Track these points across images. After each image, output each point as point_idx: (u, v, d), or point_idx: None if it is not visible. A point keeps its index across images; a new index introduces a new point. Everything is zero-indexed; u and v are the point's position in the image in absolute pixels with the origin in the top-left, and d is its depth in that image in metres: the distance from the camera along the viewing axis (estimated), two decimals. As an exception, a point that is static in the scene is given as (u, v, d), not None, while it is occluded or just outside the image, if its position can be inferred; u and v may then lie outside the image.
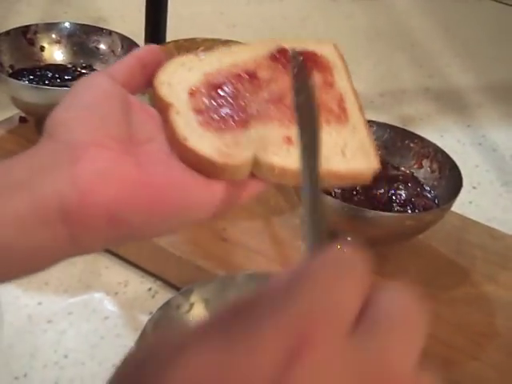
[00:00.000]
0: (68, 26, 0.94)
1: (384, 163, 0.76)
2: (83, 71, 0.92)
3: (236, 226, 0.76)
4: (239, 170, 0.39)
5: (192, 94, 0.41)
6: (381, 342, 0.24)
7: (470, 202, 0.95)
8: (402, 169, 0.76)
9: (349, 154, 0.40)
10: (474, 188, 0.99)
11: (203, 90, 0.41)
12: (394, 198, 0.72)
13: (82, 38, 0.94)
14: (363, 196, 0.71)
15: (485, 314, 0.67)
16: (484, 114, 1.19)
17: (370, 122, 0.78)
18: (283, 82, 0.42)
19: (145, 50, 0.44)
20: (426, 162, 0.76)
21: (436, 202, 0.72)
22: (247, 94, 0.41)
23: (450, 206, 0.68)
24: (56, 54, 0.93)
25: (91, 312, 0.69)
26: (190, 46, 0.90)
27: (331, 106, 0.42)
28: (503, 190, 0.99)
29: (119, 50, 0.93)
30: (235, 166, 0.38)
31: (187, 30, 0.96)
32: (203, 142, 0.39)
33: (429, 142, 0.77)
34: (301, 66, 0.39)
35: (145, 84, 0.43)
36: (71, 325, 0.67)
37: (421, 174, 0.76)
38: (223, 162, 0.38)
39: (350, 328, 0.24)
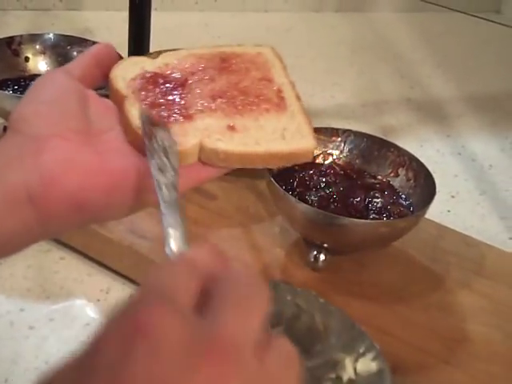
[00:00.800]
0: (52, 37, 0.95)
1: (361, 171, 0.79)
2: (67, 82, 0.93)
3: (216, 234, 0.77)
4: (187, 155, 0.43)
5: (142, 89, 0.46)
6: (216, 318, 0.26)
7: (449, 211, 0.97)
8: (379, 177, 0.78)
9: (288, 136, 0.46)
10: (453, 197, 1.01)
11: (152, 87, 0.46)
12: (370, 205, 0.73)
13: (66, 49, 0.95)
14: (340, 204, 0.72)
15: (458, 320, 0.68)
16: (464, 124, 1.21)
17: (348, 132, 0.81)
18: (226, 80, 0.48)
19: (99, 47, 0.48)
20: (401, 171, 0.77)
21: (411, 209, 0.74)
22: (194, 90, 0.47)
23: (424, 213, 0.70)
24: (40, 64, 0.94)
25: (72, 318, 0.70)
26: (172, 57, 0.91)
27: (270, 97, 0.47)
28: (481, 198, 1.01)
29: (103, 60, 0.94)
30: (183, 152, 0.43)
31: (172, 41, 0.97)
32: None
33: (405, 150, 0.78)
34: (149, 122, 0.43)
35: (100, 79, 0.47)
36: (52, 331, 0.68)
37: (397, 183, 0.77)
38: None
39: (188, 309, 0.26)
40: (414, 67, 1.42)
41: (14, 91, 0.88)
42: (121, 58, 0.50)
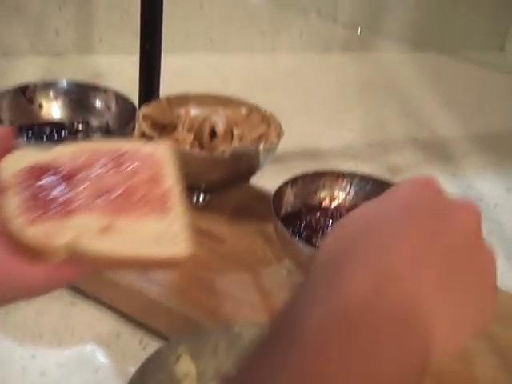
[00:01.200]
0: (65, 84, 0.98)
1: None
2: (80, 127, 0.96)
3: (224, 277, 0.78)
4: (57, 252, 0.42)
5: (25, 181, 0.45)
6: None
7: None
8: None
9: (162, 242, 0.44)
10: (459, 237, 1.02)
11: (36, 180, 0.45)
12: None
13: (79, 96, 0.98)
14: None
15: (465, 364, 0.69)
16: (469, 164, 1.23)
17: (353, 174, 0.82)
18: (113, 178, 0.47)
19: None
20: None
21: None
22: (78, 187, 0.46)
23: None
24: (54, 111, 0.97)
25: (83, 364, 0.71)
26: (181, 102, 0.94)
27: (154, 200, 0.46)
28: (487, 239, 1.02)
29: (113, 106, 0.97)
30: (52, 251, 0.42)
31: (181, 84, 0.99)
32: (25, 226, 0.42)
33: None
34: None
35: None
36: (63, 377, 0.69)
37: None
38: (41, 246, 0.41)
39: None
40: (421, 107, 1.44)
41: (28, 138, 0.90)
42: (15, 147, 0.48)
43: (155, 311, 0.74)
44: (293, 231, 0.75)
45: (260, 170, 0.87)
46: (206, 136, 0.86)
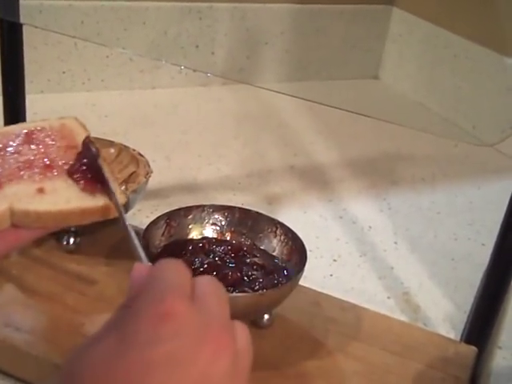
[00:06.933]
0: None
1: (237, 244, 0.81)
2: None
3: (95, 320, 0.77)
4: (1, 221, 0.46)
5: None
6: (205, 306, 0.38)
7: (331, 275, 1.01)
8: (262, 247, 0.80)
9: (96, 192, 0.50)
10: (335, 261, 1.04)
11: None
12: (245, 278, 0.75)
13: None
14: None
15: (334, 385, 0.70)
16: (344, 189, 1.27)
17: (213, 206, 0.83)
18: (33, 152, 0.52)
19: None
20: (275, 240, 0.80)
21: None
22: (1, 164, 0.51)
23: (293, 284, 0.73)
24: None
25: None
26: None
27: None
28: (361, 260, 1.05)
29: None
30: None
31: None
32: None
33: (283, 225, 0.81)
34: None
35: None
36: None
37: (273, 251, 0.80)
38: None
39: (190, 300, 0.37)
40: (297, 135, 1.48)
41: None
42: None
43: (23, 361, 0.72)
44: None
45: (131, 208, 0.87)
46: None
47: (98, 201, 0.49)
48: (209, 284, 0.40)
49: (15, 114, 0.99)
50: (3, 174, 0.49)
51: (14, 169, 0.50)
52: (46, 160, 0.52)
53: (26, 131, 0.55)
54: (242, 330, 0.40)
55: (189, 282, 0.39)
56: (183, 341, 0.34)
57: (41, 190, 0.48)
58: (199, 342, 0.35)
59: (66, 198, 0.48)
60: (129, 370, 0.33)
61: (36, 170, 0.50)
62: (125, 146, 0.93)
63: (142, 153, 0.92)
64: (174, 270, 0.40)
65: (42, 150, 0.53)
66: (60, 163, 0.51)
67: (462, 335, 0.79)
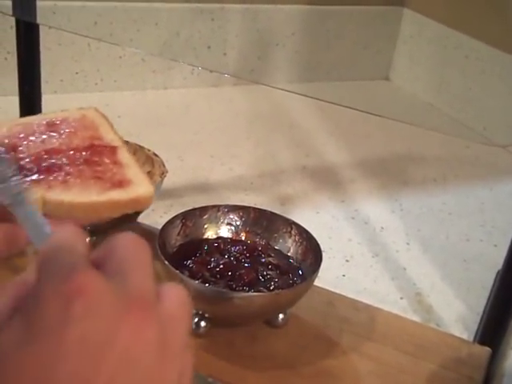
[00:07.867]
0: None
1: (252, 244, 0.82)
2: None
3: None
4: None
5: None
6: (124, 279, 0.32)
7: (344, 275, 1.01)
8: (269, 248, 0.81)
9: (125, 185, 0.49)
10: (347, 261, 1.05)
11: None
12: (260, 277, 0.76)
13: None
14: (230, 277, 0.75)
15: (349, 385, 0.71)
16: (356, 189, 1.27)
17: (231, 206, 0.84)
18: (57, 141, 0.52)
19: None
20: (291, 241, 0.81)
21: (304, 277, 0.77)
22: (27, 154, 0.50)
23: (309, 284, 0.73)
24: None
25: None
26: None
27: (102, 153, 0.51)
28: (374, 261, 1.06)
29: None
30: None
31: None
32: None
33: (298, 225, 0.82)
34: None
35: None
36: None
37: (288, 252, 0.81)
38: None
39: (93, 267, 0.32)
40: (309, 136, 1.48)
41: None
42: None
43: None
44: (181, 267, 0.76)
45: (146, 208, 0.87)
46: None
47: (129, 193, 0.49)
48: (126, 246, 0.35)
49: (31, 114, 1.00)
50: (30, 164, 0.49)
51: (41, 159, 0.50)
52: (72, 150, 0.51)
53: (47, 122, 0.55)
54: (171, 294, 0.35)
55: (87, 247, 0.35)
56: (97, 319, 0.30)
57: (71, 181, 0.48)
58: (116, 319, 0.30)
59: (96, 189, 0.48)
60: (37, 360, 0.29)
61: (64, 160, 0.50)
62: (140, 146, 0.94)
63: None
64: (72, 238, 0.35)
65: (67, 141, 0.52)
66: (86, 154, 0.51)
67: (475, 336, 0.80)
